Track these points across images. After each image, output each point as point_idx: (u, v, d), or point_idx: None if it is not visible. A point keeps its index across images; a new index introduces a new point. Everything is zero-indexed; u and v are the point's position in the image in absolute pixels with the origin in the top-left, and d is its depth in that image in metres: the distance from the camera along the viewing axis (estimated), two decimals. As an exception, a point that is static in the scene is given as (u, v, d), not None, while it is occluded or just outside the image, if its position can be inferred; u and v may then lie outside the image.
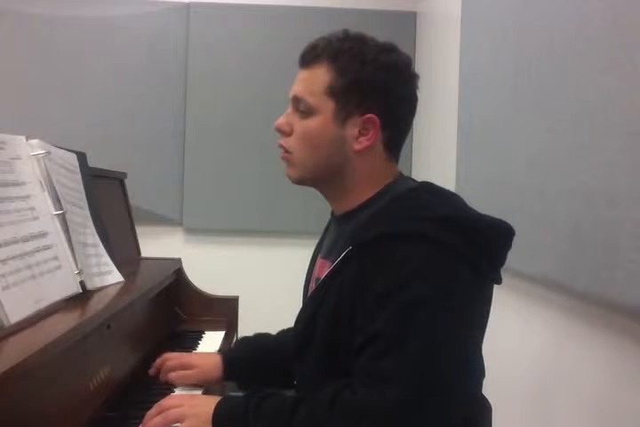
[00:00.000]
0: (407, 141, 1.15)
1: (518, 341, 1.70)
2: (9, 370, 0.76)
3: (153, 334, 1.60)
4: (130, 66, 3.02)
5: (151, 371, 1.34)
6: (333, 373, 1.02)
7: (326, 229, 1.25)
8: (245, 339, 1.42)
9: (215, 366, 1.32)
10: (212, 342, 1.70)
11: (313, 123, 1.06)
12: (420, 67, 3.01)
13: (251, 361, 1.33)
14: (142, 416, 1.08)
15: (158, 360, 1.35)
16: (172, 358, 1.35)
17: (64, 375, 0.99)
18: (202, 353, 1.53)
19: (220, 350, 1.36)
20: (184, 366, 1.31)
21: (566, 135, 1.41)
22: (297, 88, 1.08)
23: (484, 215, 1.03)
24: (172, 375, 1.29)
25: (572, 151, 1.38)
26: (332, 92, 1.04)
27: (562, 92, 1.44)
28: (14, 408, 0.81)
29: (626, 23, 1.19)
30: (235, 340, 1.82)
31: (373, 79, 1.04)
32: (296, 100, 1.08)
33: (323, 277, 1.07)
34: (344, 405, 0.93)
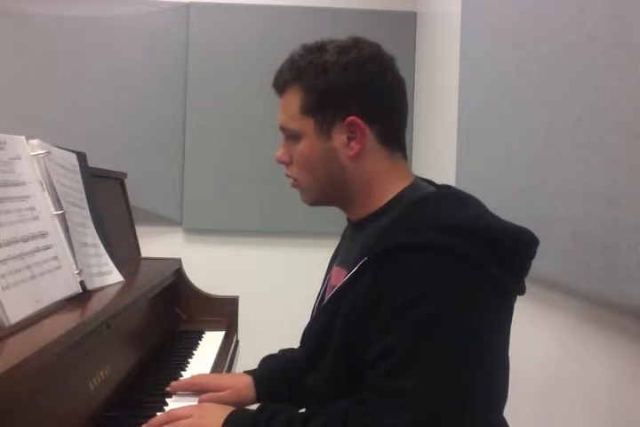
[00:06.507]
0: (407, 142, 1.12)
1: (519, 341, 1.70)
2: (9, 370, 0.76)
3: (153, 334, 1.60)
4: (130, 66, 3.02)
5: (171, 388, 1.26)
6: (348, 386, 0.98)
7: (343, 236, 1.22)
8: (270, 356, 1.36)
9: (248, 387, 1.26)
10: (212, 342, 1.70)
11: (302, 146, 1.05)
12: (420, 67, 3.01)
13: (280, 377, 1.28)
14: (142, 416, 1.08)
15: (186, 381, 1.28)
16: (203, 378, 1.29)
17: (64, 375, 0.99)
18: (231, 374, 1.48)
19: (245, 371, 1.32)
20: (216, 389, 1.25)
21: (566, 135, 1.41)
22: (279, 117, 1.08)
23: (506, 223, 0.98)
24: (204, 397, 1.21)
25: (572, 151, 1.38)
26: (307, 110, 1.03)
27: (562, 91, 1.44)
28: (14, 408, 0.81)
29: (626, 23, 1.19)
30: (234, 340, 1.82)
31: (340, 83, 1.02)
32: (282, 129, 1.08)
33: (338, 286, 1.03)
34: (355, 425, 0.90)
